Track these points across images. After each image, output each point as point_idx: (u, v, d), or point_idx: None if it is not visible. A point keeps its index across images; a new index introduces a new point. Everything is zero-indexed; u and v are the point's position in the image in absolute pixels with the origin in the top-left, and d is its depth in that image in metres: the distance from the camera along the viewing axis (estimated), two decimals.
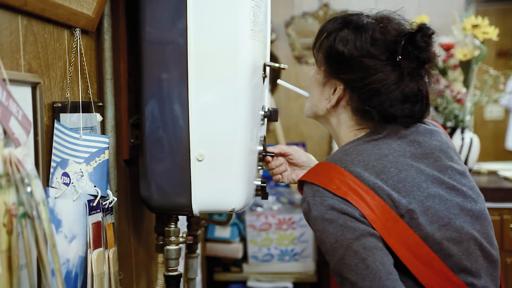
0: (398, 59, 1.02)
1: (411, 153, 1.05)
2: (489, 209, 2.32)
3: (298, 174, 1.36)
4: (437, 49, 1.07)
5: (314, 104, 1.17)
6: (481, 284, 1.01)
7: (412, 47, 1.03)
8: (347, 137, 1.12)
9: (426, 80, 1.07)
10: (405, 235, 0.97)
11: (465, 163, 2.40)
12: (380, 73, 1.03)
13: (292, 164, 1.39)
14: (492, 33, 2.23)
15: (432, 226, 0.98)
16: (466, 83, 2.35)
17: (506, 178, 2.45)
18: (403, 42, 1.02)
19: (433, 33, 1.04)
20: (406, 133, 1.07)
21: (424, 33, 1.03)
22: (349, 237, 0.96)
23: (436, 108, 2.56)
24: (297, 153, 1.38)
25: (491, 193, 2.21)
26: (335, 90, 1.11)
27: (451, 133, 2.41)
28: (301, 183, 1.09)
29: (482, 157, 2.80)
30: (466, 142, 2.38)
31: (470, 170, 2.42)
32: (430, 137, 1.09)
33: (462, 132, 2.39)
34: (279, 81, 1.45)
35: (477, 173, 2.61)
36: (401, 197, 0.98)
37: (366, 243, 0.95)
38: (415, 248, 0.97)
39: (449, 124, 2.45)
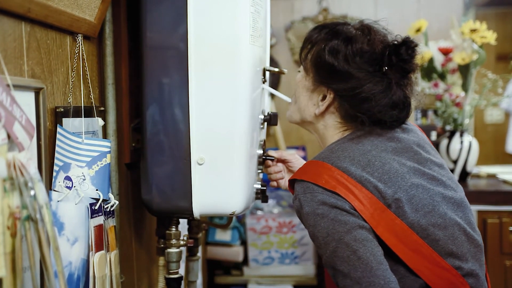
0: (384, 70, 1.08)
1: (392, 148, 1.11)
2: (488, 212, 2.32)
3: None
4: (419, 60, 1.13)
5: (301, 109, 1.21)
6: (468, 267, 1.06)
7: (397, 59, 1.08)
8: (333, 139, 1.17)
9: (409, 88, 1.13)
10: (393, 224, 1.02)
11: (464, 166, 2.41)
12: (369, 83, 1.08)
13: (290, 171, 1.41)
14: (490, 37, 2.25)
15: (417, 214, 1.04)
16: (464, 87, 2.36)
17: (505, 181, 2.46)
18: (389, 54, 1.08)
19: (416, 45, 1.10)
20: (384, 131, 1.13)
21: (408, 46, 1.08)
22: (340, 230, 1.00)
23: (435, 112, 2.58)
24: (297, 161, 1.40)
25: (490, 196, 2.22)
26: (324, 97, 1.15)
27: (450, 136, 2.42)
28: (292, 183, 1.13)
29: (482, 160, 2.81)
30: (465, 146, 2.39)
31: (469, 174, 2.43)
32: (407, 133, 1.16)
33: (461, 135, 2.40)
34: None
35: (476, 176, 2.62)
36: (387, 188, 1.04)
37: (356, 235, 1.00)
38: (403, 236, 1.02)
39: (448, 127, 2.46)
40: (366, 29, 1.12)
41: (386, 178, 1.05)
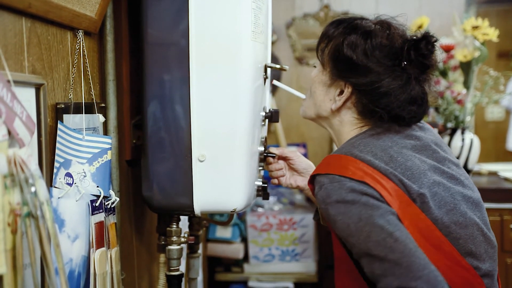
0: (403, 65, 1.07)
1: (412, 145, 1.10)
2: (489, 209, 2.32)
3: (296, 179, 1.39)
4: (438, 55, 1.12)
5: (317, 104, 1.19)
6: (486, 267, 1.06)
7: (416, 53, 1.07)
8: (349, 135, 1.15)
9: (427, 84, 1.12)
10: (417, 219, 1.01)
11: (465, 163, 2.40)
12: (388, 78, 1.07)
13: (292, 169, 1.40)
14: (492, 34, 2.24)
15: (440, 210, 1.03)
16: (466, 84, 2.36)
17: (506, 179, 2.46)
18: (408, 49, 1.07)
19: (436, 40, 1.09)
20: (402, 128, 1.12)
21: (428, 41, 1.07)
22: (373, 214, 0.97)
23: (436, 109, 2.57)
24: (298, 158, 1.39)
25: (491, 194, 2.22)
26: (341, 92, 1.14)
27: (452, 133, 2.42)
28: (313, 178, 1.09)
29: (483, 158, 2.81)
30: (466, 143, 2.38)
31: (470, 171, 2.43)
32: (424, 132, 1.15)
33: (463, 133, 2.40)
34: (274, 81, 1.45)
35: (478, 173, 2.62)
36: (411, 183, 1.03)
37: (390, 220, 0.97)
38: (426, 232, 1.01)
39: (450, 125, 2.45)
40: (386, 24, 1.11)
41: (409, 174, 1.03)
